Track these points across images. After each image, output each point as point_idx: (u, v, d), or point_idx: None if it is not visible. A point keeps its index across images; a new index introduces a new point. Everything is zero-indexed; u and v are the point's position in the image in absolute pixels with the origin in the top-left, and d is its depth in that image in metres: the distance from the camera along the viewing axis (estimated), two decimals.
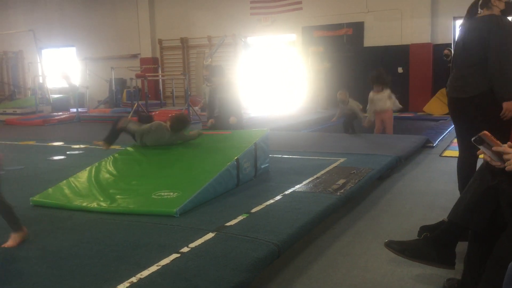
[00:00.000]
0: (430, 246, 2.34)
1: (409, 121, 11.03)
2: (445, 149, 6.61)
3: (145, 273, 2.34)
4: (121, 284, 2.21)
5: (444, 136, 7.86)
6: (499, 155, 2.05)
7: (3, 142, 7.92)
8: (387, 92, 7.37)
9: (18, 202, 3.79)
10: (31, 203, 3.71)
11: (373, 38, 13.14)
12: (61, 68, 15.52)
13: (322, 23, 13.61)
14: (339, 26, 13.47)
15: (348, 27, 13.39)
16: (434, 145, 6.88)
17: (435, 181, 4.78)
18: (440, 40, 12.62)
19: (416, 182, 4.80)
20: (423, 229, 2.71)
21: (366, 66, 12.37)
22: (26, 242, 2.88)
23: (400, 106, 7.67)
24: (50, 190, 3.91)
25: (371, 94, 7.41)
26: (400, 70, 12.93)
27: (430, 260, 2.35)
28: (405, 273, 2.61)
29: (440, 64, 12.00)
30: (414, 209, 3.86)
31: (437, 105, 11.81)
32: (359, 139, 7.02)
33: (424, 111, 12.08)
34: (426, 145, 6.77)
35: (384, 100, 7.31)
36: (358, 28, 13.31)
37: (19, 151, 6.90)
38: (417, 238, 2.59)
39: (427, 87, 12.71)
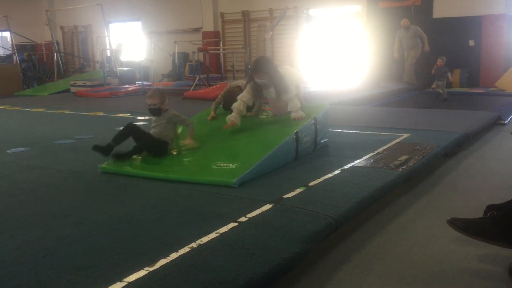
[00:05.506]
0: (497, 225, 2.24)
1: (480, 96, 10.47)
2: None
3: (204, 239, 2.41)
4: (182, 249, 2.29)
5: None
6: None
7: (73, 112, 8.36)
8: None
9: (87, 168, 4.02)
10: (99, 170, 3.91)
11: (443, 9, 12.45)
12: (118, 41, 16.02)
13: None
14: None
15: None
16: (505, 122, 6.50)
17: (505, 160, 4.53)
18: None
19: (484, 160, 4.58)
20: (490, 207, 2.60)
21: (435, 39, 11.80)
22: (93, 206, 3.05)
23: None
24: None
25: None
26: (471, 43, 12.22)
27: (495, 239, 2.25)
28: (468, 252, 2.51)
29: None
30: (480, 188, 3.69)
31: (511, 81, 11.11)
32: (424, 114, 6.76)
33: (496, 87, 11.41)
34: (497, 122, 6.41)
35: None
36: None
37: (88, 121, 7.25)
38: (483, 216, 2.49)
39: (500, 61, 11.94)
